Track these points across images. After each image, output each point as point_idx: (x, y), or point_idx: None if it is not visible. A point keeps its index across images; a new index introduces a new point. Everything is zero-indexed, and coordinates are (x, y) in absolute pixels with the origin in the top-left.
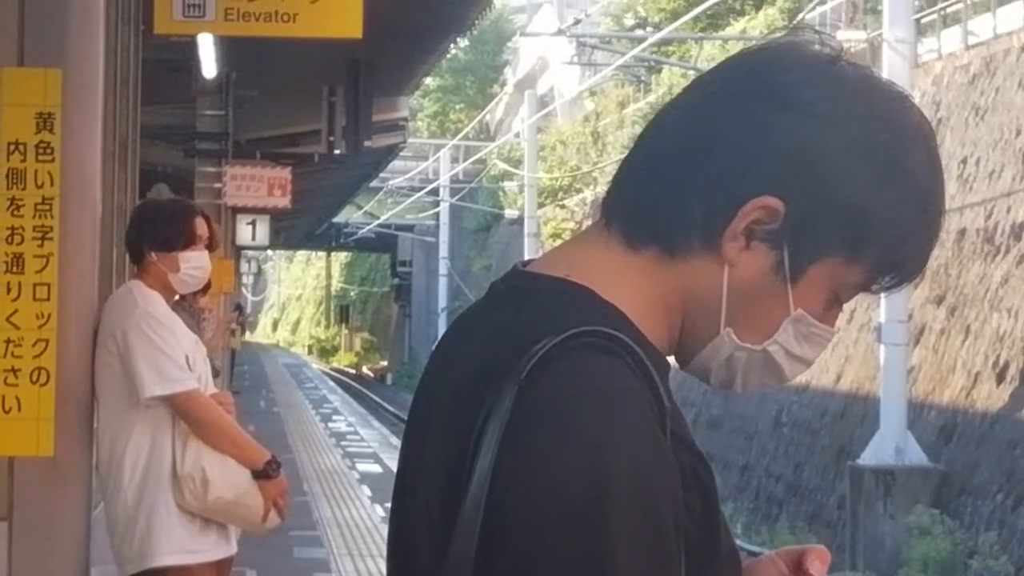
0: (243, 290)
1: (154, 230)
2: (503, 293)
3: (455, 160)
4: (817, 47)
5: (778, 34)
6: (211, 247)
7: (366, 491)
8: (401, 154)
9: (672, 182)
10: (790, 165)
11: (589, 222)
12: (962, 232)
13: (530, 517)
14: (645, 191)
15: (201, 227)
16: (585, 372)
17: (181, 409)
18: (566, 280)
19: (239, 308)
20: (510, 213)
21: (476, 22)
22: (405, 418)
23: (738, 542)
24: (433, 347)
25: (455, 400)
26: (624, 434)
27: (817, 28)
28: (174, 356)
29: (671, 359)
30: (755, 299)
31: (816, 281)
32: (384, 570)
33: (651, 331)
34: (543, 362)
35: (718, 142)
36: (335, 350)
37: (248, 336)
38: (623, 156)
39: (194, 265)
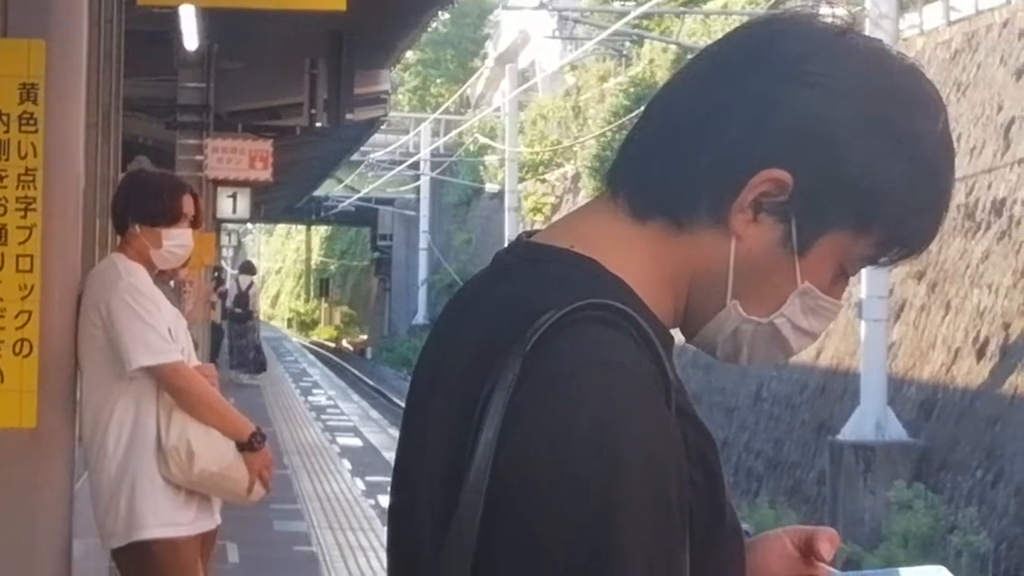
0: (223, 263)
1: (141, 203)
2: (508, 265)
3: (436, 134)
4: (826, 19)
5: (785, 7)
6: (195, 224)
7: (346, 464)
8: (382, 128)
9: (680, 154)
10: (799, 138)
11: (570, 196)
12: None
13: (534, 489)
14: (653, 163)
15: (188, 205)
16: (590, 345)
17: (167, 380)
18: (571, 252)
19: (218, 279)
20: (491, 187)
21: None
22: (385, 391)
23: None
24: (430, 322)
25: (460, 373)
26: (628, 408)
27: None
28: (158, 328)
29: (676, 331)
30: (762, 272)
31: (823, 254)
32: (363, 543)
33: (656, 303)
34: (548, 335)
35: (727, 114)
36: (315, 323)
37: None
38: (605, 130)
39: (177, 243)
